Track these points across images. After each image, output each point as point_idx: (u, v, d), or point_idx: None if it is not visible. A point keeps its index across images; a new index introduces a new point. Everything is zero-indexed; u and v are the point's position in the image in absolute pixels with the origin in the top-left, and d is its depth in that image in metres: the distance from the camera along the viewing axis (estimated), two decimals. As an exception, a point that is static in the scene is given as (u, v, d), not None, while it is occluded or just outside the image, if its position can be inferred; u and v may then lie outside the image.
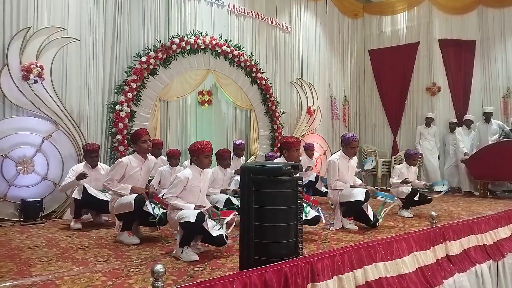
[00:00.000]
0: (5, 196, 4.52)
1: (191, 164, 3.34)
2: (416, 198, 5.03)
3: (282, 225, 2.42)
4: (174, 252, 3.06)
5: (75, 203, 4.18)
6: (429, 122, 8.64)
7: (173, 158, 4.95)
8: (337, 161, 4.28)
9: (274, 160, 4.24)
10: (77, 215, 4.25)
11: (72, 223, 4.21)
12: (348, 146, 4.27)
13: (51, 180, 4.84)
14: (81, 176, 4.21)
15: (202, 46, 6.47)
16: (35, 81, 4.71)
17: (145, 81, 5.82)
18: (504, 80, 8.70)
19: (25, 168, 4.67)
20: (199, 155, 3.25)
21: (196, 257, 2.95)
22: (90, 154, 4.46)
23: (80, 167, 4.44)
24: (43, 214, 4.58)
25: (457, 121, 8.68)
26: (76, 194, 4.12)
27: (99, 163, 4.59)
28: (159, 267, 1.70)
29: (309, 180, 5.99)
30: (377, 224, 4.22)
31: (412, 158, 5.32)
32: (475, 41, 9.05)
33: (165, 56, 6.03)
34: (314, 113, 8.39)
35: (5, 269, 2.69)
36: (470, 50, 9.04)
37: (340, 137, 4.47)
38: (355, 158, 4.44)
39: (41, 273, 2.61)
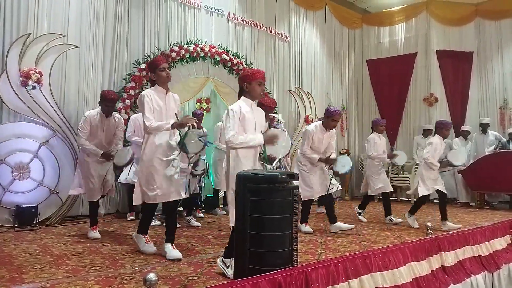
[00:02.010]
0: (0, 202, 4.49)
1: (239, 98, 3.00)
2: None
3: (277, 234, 2.42)
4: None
5: (92, 206, 4.15)
6: (426, 133, 8.67)
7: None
8: (314, 131, 4.55)
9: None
10: (94, 221, 4.11)
11: (90, 232, 4.04)
12: (330, 118, 4.52)
13: (47, 186, 4.82)
14: (107, 156, 4.10)
15: (202, 54, 6.51)
16: (34, 87, 4.72)
17: (143, 88, 5.84)
18: (501, 91, 8.78)
19: (21, 174, 4.65)
20: (252, 80, 2.88)
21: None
22: (106, 103, 4.13)
23: (93, 113, 4.18)
24: (37, 221, 4.55)
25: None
26: (91, 196, 4.12)
27: (113, 113, 4.29)
28: (151, 276, 1.69)
29: None
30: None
31: (379, 124, 5.50)
32: (472, 52, 9.15)
33: (164, 63, 6.05)
34: (312, 122, 8.40)
35: (-2, 276, 2.67)
36: (467, 61, 9.13)
37: (325, 108, 4.76)
38: (333, 132, 4.66)
39: (33, 280, 2.59)
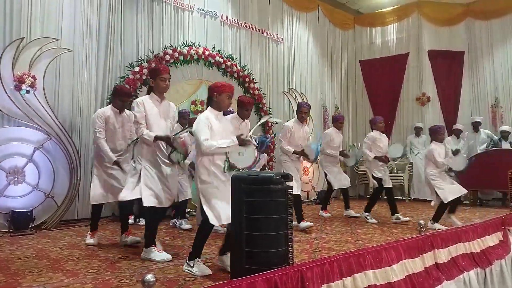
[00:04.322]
0: (-5, 207, 4.49)
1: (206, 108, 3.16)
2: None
3: (273, 234, 2.46)
4: (184, 266, 2.93)
5: (94, 210, 4.04)
6: (418, 131, 8.76)
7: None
8: (292, 127, 5.12)
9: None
10: (94, 226, 3.98)
11: (88, 238, 3.91)
12: (300, 113, 5.18)
13: (42, 190, 4.81)
14: (119, 165, 3.88)
15: (195, 57, 6.54)
16: (28, 92, 4.71)
17: (137, 91, 5.85)
18: (492, 90, 8.90)
19: (15, 178, 4.64)
20: (222, 92, 3.06)
21: (209, 271, 2.84)
22: (121, 97, 3.96)
23: (106, 111, 3.96)
24: (33, 225, 4.54)
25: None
26: (99, 199, 3.89)
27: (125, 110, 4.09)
28: (149, 277, 1.72)
29: None
30: None
31: (378, 122, 5.70)
32: (463, 52, 9.27)
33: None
34: (306, 123, 8.44)
35: (-5, 281, 2.68)
36: (459, 61, 9.25)
37: (297, 103, 5.47)
38: (306, 126, 5.40)
39: (31, 285, 2.60)
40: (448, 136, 8.56)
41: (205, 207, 2.91)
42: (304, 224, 4.67)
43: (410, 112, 9.49)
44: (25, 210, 4.54)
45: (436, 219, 4.86)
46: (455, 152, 5.07)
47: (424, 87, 9.32)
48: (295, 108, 8.30)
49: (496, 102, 8.85)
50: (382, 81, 9.81)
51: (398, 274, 2.81)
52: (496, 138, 7.81)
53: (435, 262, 3.24)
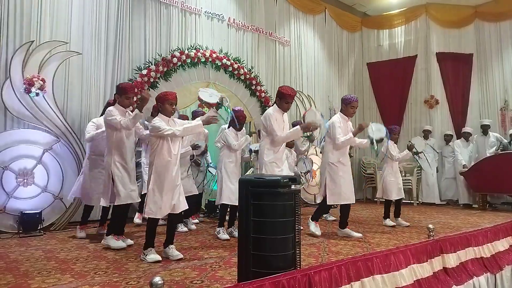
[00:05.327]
0: (4, 208, 4.53)
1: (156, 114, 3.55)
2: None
3: (280, 237, 2.45)
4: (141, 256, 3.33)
5: (86, 209, 4.48)
6: (426, 134, 8.68)
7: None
8: (340, 121, 4.55)
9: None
10: (84, 220, 4.45)
11: (78, 232, 4.36)
12: (349, 105, 4.52)
13: (51, 192, 4.86)
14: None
15: (202, 59, 6.57)
16: (37, 94, 4.77)
17: (145, 94, 5.88)
18: (502, 93, 8.80)
19: (25, 180, 4.69)
20: (164, 102, 3.40)
21: (159, 257, 3.24)
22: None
23: (100, 120, 4.25)
24: (42, 226, 4.58)
25: (452, 134, 8.74)
26: (103, 202, 3.87)
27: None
28: (157, 279, 1.72)
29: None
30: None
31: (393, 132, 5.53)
32: (472, 54, 9.19)
33: (165, 69, 6.12)
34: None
35: (4, 282, 2.70)
36: (468, 63, 9.16)
37: (341, 98, 4.71)
38: (349, 121, 4.72)
39: (39, 286, 2.62)
40: (457, 139, 8.50)
41: (148, 199, 3.31)
42: (314, 228, 4.54)
43: (418, 115, 9.42)
44: (34, 211, 4.57)
45: (386, 215, 5.43)
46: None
47: (433, 89, 9.24)
48: (302, 111, 8.33)
49: (506, 105, 8.76)
50: (390, 83, 9.75)
51: (406, 278, 2.79)
52: (506, 141, 7.72)
53: (444, 267, 3.21)
